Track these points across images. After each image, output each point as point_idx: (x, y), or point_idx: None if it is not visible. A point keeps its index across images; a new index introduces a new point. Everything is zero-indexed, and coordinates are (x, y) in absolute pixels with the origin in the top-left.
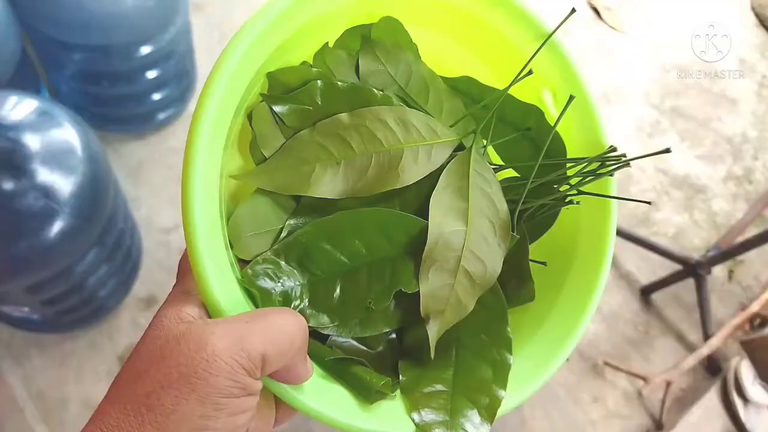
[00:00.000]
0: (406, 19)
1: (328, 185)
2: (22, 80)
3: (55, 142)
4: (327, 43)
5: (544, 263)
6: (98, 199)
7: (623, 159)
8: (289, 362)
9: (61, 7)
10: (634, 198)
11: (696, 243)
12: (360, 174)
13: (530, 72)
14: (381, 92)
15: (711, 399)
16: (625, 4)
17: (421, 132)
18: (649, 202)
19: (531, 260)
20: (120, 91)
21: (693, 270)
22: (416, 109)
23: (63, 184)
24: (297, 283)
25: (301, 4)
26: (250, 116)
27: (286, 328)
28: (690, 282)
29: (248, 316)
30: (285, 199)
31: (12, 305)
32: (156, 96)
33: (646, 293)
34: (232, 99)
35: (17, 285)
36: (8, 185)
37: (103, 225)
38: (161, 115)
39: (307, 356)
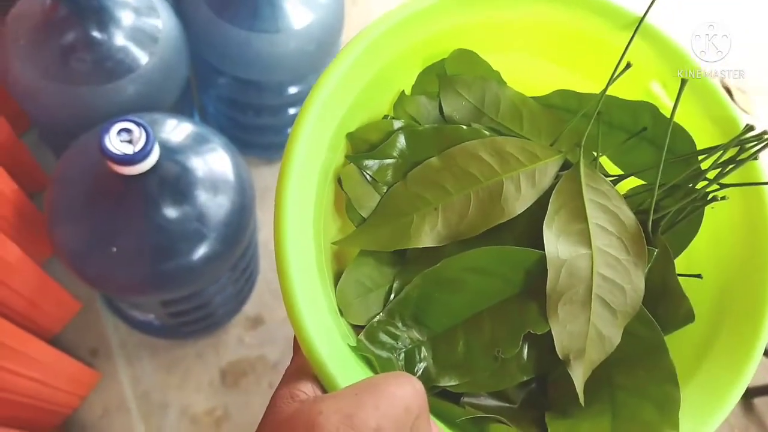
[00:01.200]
0: (481, 48)
1: (428, 234)
2: (182, 101)
3: (212, 168)
4: (403, 91)
5: (698, 276)
6: (242, 227)
7: (766, 137)
8: None
9: (229, 41)
10: None
11: None
12: (460, 215)
13: (629, 65)
14: (467, 126)
15: None
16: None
17: (518, 158)
18: None
19: (680, 274)
20: (263, 122)
21: None
22: (512, 136)
23: (215, 210)
24: (417, 341)
25: (368, 54)
26: (340, 180)
27: (399, 397)
28: None
29: (357, 388)
30: (389, 256)
31: (141, 311)
32: (290, 129)
33: (748, 395)
34: (314, 163)
35: (156, 298)
36: (171, 208)
37: (242, 251)
38: None
39: (432, 422)
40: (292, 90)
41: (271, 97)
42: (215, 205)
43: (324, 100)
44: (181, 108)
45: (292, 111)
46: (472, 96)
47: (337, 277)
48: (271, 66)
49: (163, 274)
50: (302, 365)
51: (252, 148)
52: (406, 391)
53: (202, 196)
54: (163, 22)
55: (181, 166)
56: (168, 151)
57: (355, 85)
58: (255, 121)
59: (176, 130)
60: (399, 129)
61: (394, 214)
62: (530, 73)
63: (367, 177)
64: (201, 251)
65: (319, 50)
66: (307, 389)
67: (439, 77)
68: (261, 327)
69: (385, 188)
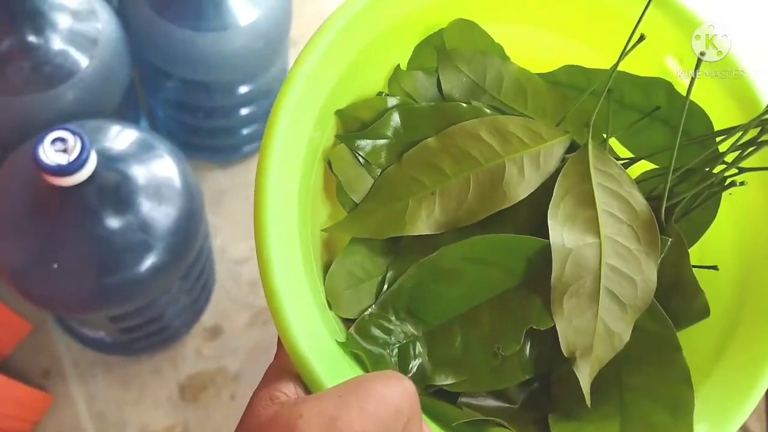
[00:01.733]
0: (482, 18)
1: (425, 220)
2: (126, 105)
3: (156, 176)
4: (398, 65)
5: (714, 267)
6: (191, 235)
7: None
8: None
9: (173, 42)
10: None
11: None
12: (459, 201)
13: (642, 37)
14: (467, 104)
15: None
16: None
17: (522, 138)
18: None
19: (695, 266)
20: (214, 124)
21: None
22: (515, 115)
23: (160, 219)
24: (411, 336)
25: (357, 24)
26: (329, 162)
27: (387, 398)
28: None
29: (342, 388)
30: (382, 244)
31: (91, 328)
32: (246, 131)
33: None
34: (298, 142)
35: (103, 314)
36: (113, 219)
37: (192, 260)
38: (247, 148)
39: (424, 425)
40: (243, 89)
41: (221, 98)
42: (160, 213)
43: (308, 73)
44: (126, 113)
45: (244, 111)
46: (472, 72)
47: (326, 268)
48: (218, 65)
49: (109, 288)
50: (284, 363)
51: (204, 151)
52: (396, 392)
53: (146, 205)
54: (103, 24)
55: (121, 174)
56: (107, 159)
57: (344, 56)
58: (206, 123)
59: (117, 137)
60: (393, 107)
61: (387, 199)
62: (535, 46)
63: (360, 158)
64: (148, 262)
65: (268, 47)
66: (288, 390)
67: (438, 51)
68: (220, 337)
69: (378, 171)
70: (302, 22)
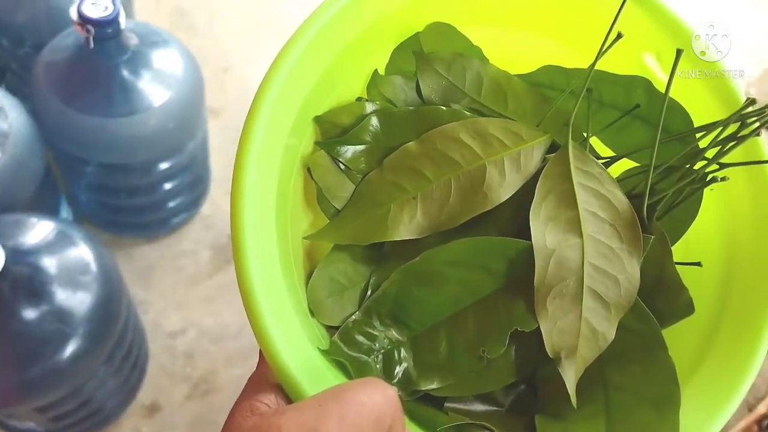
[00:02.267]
0: (459, 21)
1: (407, 225)
2: (43, 192)
3: (70, 265)
4: (376, 70)
5: (698, 264)
6: (110, 319)
7: None
8: None
9: (85, 130)
10: None
11: None
12: (441, 205)
13: (619, 35)
14: (447, 107)
15: None
16: None
17: (502, 140)
18: None
19: (678, 263)
20: (138, 202)
21: None
22: (495, 117)
23: (76, 307)
24: (396, 342)
25: (332, 28)
26: (309, 170)
27: (368, 406)
28: None
29: (322, 397)
30: (365, 251)
31: (18, 420)
32: (171, 204)
33: None
34: (274, 150)
35: (27, 406)
36: (26, 311)
37: (114, 343)
38: (175, 220)
39: (409, 431)
40: (163, 166)
41: (140, 177)
42: (76, 301)
43: (283, 80)
44: (43, 202)
45: (168, 186)
46: (452, 75)
47: (309, 276)
48: (132, 148)
49: (30, 380)
50: (264, 373)
51: (130, 228)
52: (377, 399)
53: (61, 295)
54: (12, 119)
55: (34, 267)
56: (18, 253)
57: (319, 61)
58: (129, 202)
59: (29, 230)
60: (372, 112)
61: (369, 205)
62: (514, 47)
63: (340, 165)
64: (67, 351)
65: (181, 126)
66: (269, 400)
67: (416, 55)
68: (158, 414)
69: (359, 177)
70: (224, 92)
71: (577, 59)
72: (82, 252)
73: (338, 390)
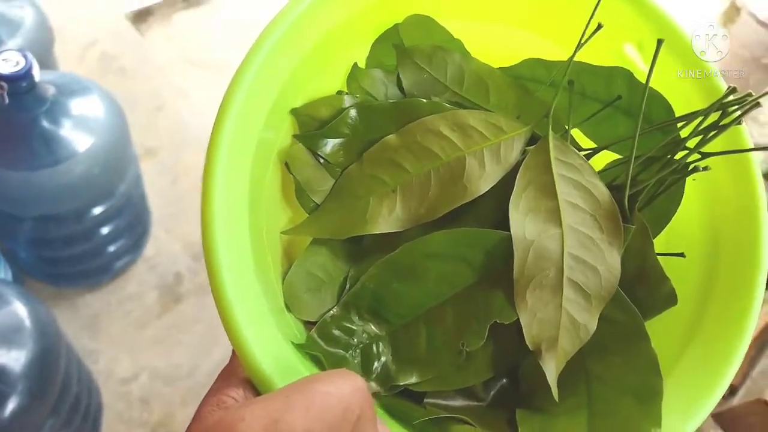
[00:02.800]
0: (439, 13)
1: (386, 218)
2: None
3: (3, 324)
4: (355, 63)
5: (681, 255)
6: (49, 374)
7: (750, 99)
8: None
9: (11, 186)
10: None
11: None
12: (420, 197)
13: (599, 26)
14: (428, 100)
15: None
16: None
17: (482, 132)
18: None
19: (661, 254)
20: (76, 250)
21: None
22: (476, 109)
23: (12, 365)
24: (375, 336)
25: (308, 18)
26: (288, 164)
27: (334, 396)
28: None
29: (288, 389)
30: (344, 245)
31: None
32: (112, 248)
33: None
34: (246, 144)
35: None
36: None
37: (57, 396)
38: (118, 264)
39: (381, 424)
40: (96, 211)
41: (74, 225)
42: (11, 359)
43: (256, 72)
44: None
45: (104, 230)
46: (433, 68)
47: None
48: (60, 198)
49: None
50: (234, 368)
51: (73, 278)
52: (345, 390)
53: None
54: None
55: None
56: None
57: (293, 54)
58: (68, 252)
59: None
60: (351, 105)
61: (348, 198)
62: (495, 41)
63: (319, 158)
64: (7, 410)
65: (108, 170)
66: (236, 394)
67: (396, 48)
68: None
69: (339, 170)
70: (158, 131)
71: (560, 52)
72: (15, 309)
73: (305, 381)
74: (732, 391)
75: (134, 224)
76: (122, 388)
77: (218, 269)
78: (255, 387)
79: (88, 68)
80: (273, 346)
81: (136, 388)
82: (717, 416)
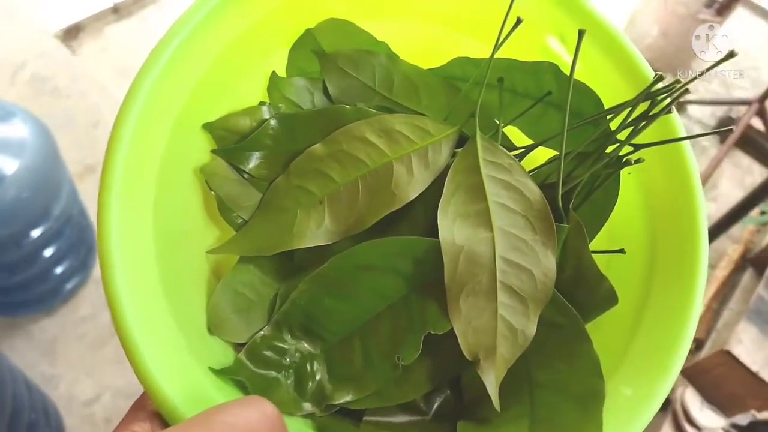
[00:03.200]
0: (357, 15)
1: (314, 231)
2: None
3: None
4: (273, 72)
5: (621, 251)
6: None
7: (678, 86)
8: None
9: None
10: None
11: None
12: (349, 207)
13: (519, 20)
14: (355, 106)
15: None
16: None
17: (408, 136)
18: None
19: (601, 251)
20: (22, 277)
21: None
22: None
23: None
24: (308, 354)
25: (210, 25)
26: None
27: (239, 427)
28: None
29: (192, 421)
30: (274, 262)
31: None
32: (59, 269)
33: None
34: (146, 162)
35: None
36: None
37: (6, 428)
38: (68, 285)
39: None
40: (35, 234)
41: (14, 251)
42: None
43: (150, 88)
44: None
45: (47, 253)
46: (360, 73)
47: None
48: None
49: None
50: (143, 401)
51: (25, 306)
52: (251, 419)
53: None
54: None
55: None
56: None
57: (195, 66)
58: (14, 279)
59: None
60: (272, 115)
61: (274, 212)
62: (423, 42)
63: (243, 173)
64: None
65: (39, 192)
66: (143, 428)
67: (318, 55)
68: None
69: (266, 184)
70: (96, 147)
71: (487, 50)
72: None
73: (209, 413)
74: (698, 345)
75: (77, 243)
76: (85, 410)
77: (117, 298)
78: (164, 419)
79: (18, 93)
80: (182, 375)
81: (98, 409)
82: (684, 371)
